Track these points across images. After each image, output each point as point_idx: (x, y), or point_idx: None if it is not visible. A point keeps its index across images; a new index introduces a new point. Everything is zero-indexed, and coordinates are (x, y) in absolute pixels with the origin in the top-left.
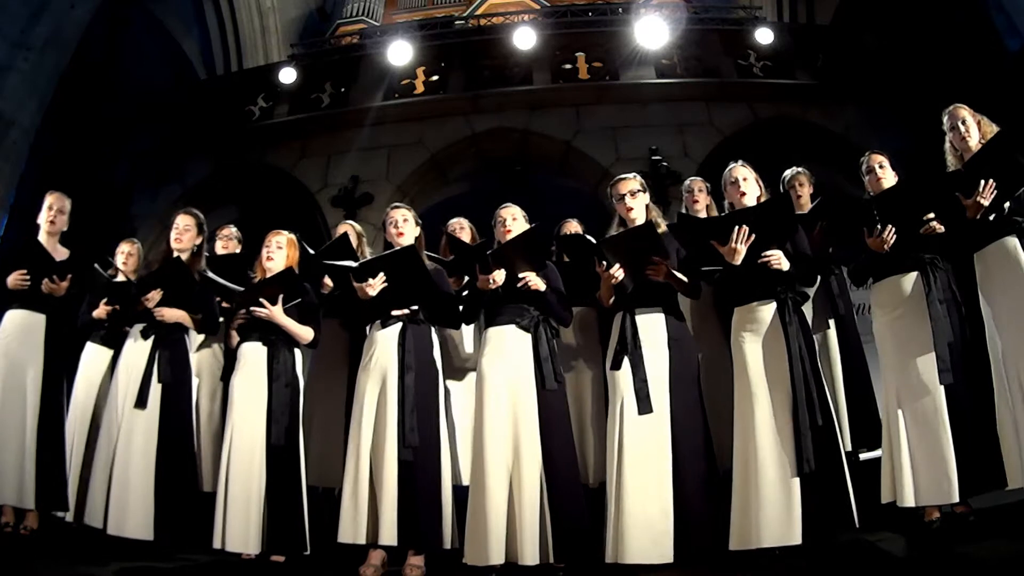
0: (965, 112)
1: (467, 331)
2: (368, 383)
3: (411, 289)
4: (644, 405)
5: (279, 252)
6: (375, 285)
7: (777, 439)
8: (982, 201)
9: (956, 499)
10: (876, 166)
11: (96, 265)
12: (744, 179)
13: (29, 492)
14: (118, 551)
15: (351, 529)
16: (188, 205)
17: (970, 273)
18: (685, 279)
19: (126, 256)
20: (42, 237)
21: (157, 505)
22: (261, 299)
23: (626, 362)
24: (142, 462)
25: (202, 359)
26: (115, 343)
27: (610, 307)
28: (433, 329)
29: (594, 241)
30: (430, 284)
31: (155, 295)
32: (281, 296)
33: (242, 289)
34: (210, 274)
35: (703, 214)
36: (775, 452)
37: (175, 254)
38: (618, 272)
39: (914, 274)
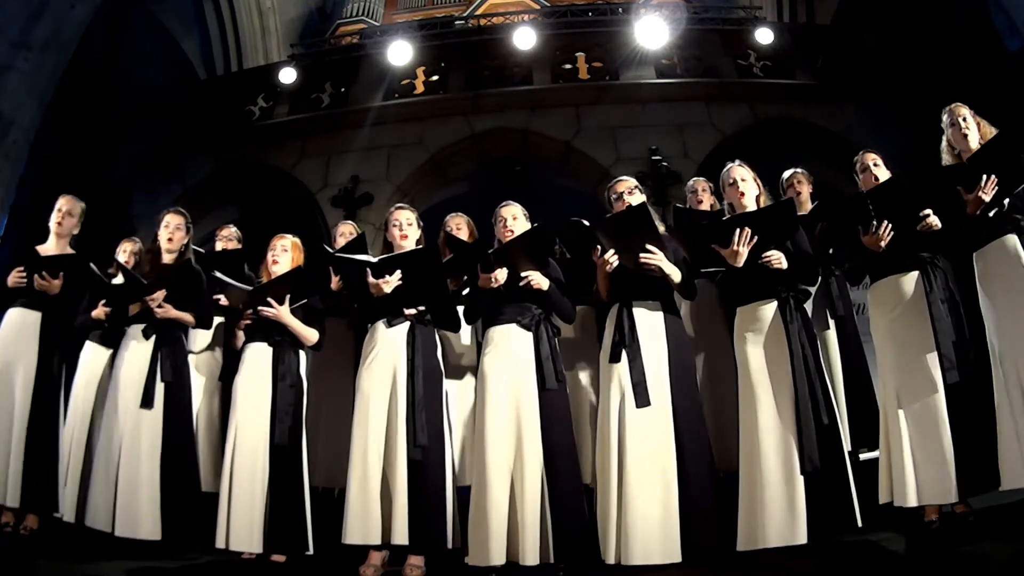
0: (966, 111)
1: (463, 330)
2: (374, 382)
3: (424, 289)
4: (642, 399)
5: (285, 255)
6: (391, 282)
7: (781, 438)
8: (983, 196)
9: (956, 499)
10: (871, 164)
11: (92, 265)
12: (743, 179)
13: (14, 490)
14: (119, 551)
15: (360, 530)
16: (188, 205)
17: (968, 272)
18: (679, 276)
19: (128, 255)
20: (51, 239)
21: (163, 505)
22: (269, 299)
23: (624, 356)
24: (148, 462)
25: (201, 359)
26: (114, 343)
27: (608, 302)
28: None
29: (588, 224)
30: (444, 287)
31: (159, 295)
32: (288, 296)
33: (250, 288)
34: (218, 274)
35: None
36: (779, 451)
37: (164, 253)
38: (613, 258)
39: (914, 273)
